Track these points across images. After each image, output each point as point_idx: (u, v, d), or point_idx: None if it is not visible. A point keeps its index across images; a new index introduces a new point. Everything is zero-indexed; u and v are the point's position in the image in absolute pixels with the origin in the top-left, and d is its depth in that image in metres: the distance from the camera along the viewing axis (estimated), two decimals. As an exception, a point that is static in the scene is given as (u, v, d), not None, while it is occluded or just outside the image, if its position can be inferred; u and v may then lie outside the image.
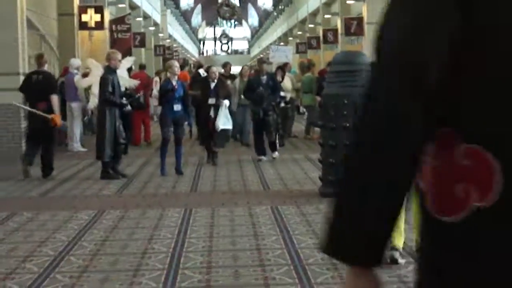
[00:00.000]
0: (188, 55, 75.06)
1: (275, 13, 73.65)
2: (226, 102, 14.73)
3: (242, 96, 16.94)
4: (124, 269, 6.88)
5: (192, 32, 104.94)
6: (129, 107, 13.87)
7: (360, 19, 27.68)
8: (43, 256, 7.45)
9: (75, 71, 18.07)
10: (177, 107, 13.13)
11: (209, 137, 14.68)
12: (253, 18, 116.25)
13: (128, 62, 17.15)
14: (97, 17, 24.44)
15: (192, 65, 34.18)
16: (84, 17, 24.19)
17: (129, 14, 30.07)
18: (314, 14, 43.28)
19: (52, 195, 11.61)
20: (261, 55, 49.38)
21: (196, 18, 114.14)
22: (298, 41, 45.91)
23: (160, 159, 13.42)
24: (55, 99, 13.34)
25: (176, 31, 69.08)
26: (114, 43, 26.19)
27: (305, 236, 8.06)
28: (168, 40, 54.66)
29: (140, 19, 38.71)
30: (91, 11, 24.45)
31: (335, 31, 33.26)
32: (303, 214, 9.26)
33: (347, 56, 11.12)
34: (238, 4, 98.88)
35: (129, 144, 16.42)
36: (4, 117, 16.06)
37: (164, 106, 13.23)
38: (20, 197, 11.47)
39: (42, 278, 6.63)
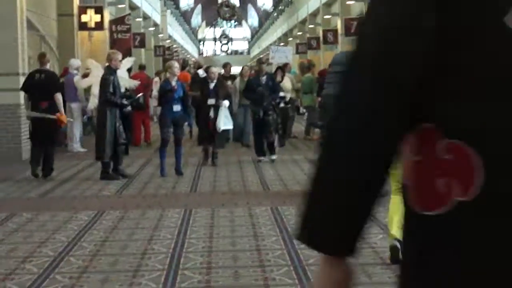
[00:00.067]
0: (188, 56, 75.06)
1: (275, 14, 73.67)
2: (226, 103, 14.73)
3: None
4: (124, 270, 6.88)
5: (192, 33, 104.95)
6: (129, 108, 13.87)
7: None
8: (42, 256, 7.44)
9: (75, 71, 18.07)
10: (177, 107, 13.13)
11: (207, 138, 14.63)
12: (253, 18, 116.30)
13: (128, 62, 17.15)
14: (97, 18, 24.45)
15: (191, 66, 34.14)
16: (84, 18, 24.20)
17: (129, 14, 30.08)
18: (314, 14, 43.30)
19: (52, 195, 11.60)
20: (261, 56, 49.39)
21: (196, 19, 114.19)
22: (298, 41, 45.96)
23: (160, 160, 13.41)
24: (59, 97, 13.41)
25: (176, 32, 69.10)
26: (114, 43, 26.21)
27: (305, 236, 8.03)
28: (168, 41, 54.67)
29: (140, 19, 38.71)
30: (91, 12, 24.46)
31: (335, 31, 33.32)
32: (303, 215, 9.24)
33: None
34: (238, 5, 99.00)
35: (129, 144, 16.41)
36: (4, 117, 16.08)
37: (163, 107, 13.22)
38: (20, 198, 11.47)
39: (41, 278, 6.63)
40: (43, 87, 13.11)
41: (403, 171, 1.69)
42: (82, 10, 24.32)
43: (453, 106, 1.58)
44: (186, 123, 14.46)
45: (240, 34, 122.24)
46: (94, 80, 15.20)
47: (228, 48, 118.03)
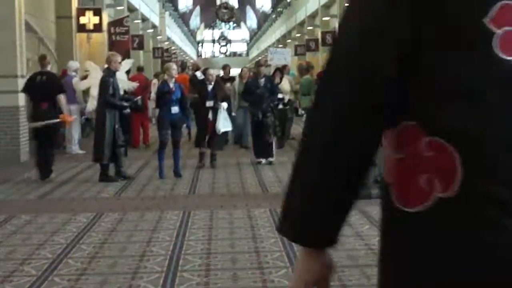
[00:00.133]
0: (187, 58, 75.06)
1: (273, 15, 73.66)
2: (224, 105, 14.73)
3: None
4: (122, 272, 6.87)
5: (191, 35, 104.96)
6: (127, 110, 13.88)
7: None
8: (41, 259, 7.43)
9: (73, 73, 18.06)
10: (175, 109, 13.12)
11: (204, 140, 14.58)
12: (252, 20, 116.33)
13: (126, 64, 17.14)
14: (95, 20, 24.46)
15: (190, 68, 34.15)
16: (82, 20, 24.21)
17: (128, 16, 30.09)
18: (313, 16, 43.31)
19: (51, 197, 11.59)
20: (260, 58, 49.38)
21: (195, 20, 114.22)
22: (296, 43, 45.97)
23: (158, 162, 13.41)
24: (62, 98, 13.50)
25: (174, 33, 69.10)
26: (113, 45, 26.22)
27: (303, 238, 8.03)
28: (166, 42, 54.66)
29: (139, 21, 38.72)
30: (89, 14, 24.46)
31: (333, 33, 33.27)
32: (301, 217, 9.24)
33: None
34: (236, 6, 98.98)
35: (128, 146, 16.41)
36: (2, 119, 16.07)
37: (161, 109, 13.21)
38: (18, 200, 11.46)
39: (40, 281, 6.62)
40: (45, 88, 13.19)
41: (385, 169, 1.73)
42: (81, 12, 24.32)
43: (433, 106, 1.61)
44: (184, 125, 14.44)
45: (238, 36, 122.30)
46: (93, 82, 15.19)
47: (226, 50, 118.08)
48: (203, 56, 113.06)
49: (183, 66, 26.57)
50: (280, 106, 17.61)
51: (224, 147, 17.73)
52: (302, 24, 48.00)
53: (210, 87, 14.47)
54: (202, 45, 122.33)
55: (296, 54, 40.83)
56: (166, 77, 13.58)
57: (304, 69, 21.24)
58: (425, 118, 1.63)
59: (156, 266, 7.05)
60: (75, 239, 8.32)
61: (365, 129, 1.68)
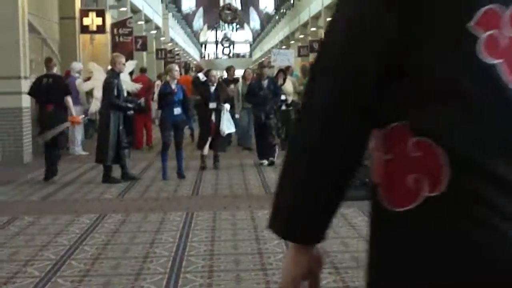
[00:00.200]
0: (190, 59, 75.06)
1: (276, 17, 73.68)
2: (227, 106, 14.72)
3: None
4: (125, 273, 6.86)
5: (194, 36, 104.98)
6: (131, 111, 13.91)
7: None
8: (44, 260, 7.43)
9: (77, 74, 18.08)
10: (177, 110, 13.12)
11: (207, 142, 14.54)
12: (255, 21, 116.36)
13: (130, 66, 17.15)
14: (99, 21, 24.46)
15: (193, 69, 34.13)
16: (86, 21, 24.21)
17: (131, 17, 30.08)
18: (316, 17, 43.29)
19: (54, 199, 11.59)
20: (263, 59, 49.32)
21: (198, 22, 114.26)
22: (300, 44, 45.90)
23: (162, 163, 13.41)
24: (69, 100, 13.64)
25: (177, 35, 69.09)
26: (116, 46, 26.21)
27: (307, 240, 8.02)
28: (169, 44, 54.65)
29: (142, 22, 38.73)
30: (92, 15, 24.46)
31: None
32: (305, 218, 9.23)
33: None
34: (239, 8, 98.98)
35: (131, 148, 16.41)
36: (5, 121, 16.08)
37: (164, 110, 13.21)
38: (21, 201, 11.45)
39: (43, 282, 6.61)
40: (51, 91, 13.28)
41: (372, 170, 1.75)
42: (84, 13, 24.33)
43: (419, 107, 1.64)
44: (187, 126, 14.43)
45: (242, 37, 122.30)
46: (96, 83, 15.20)
47: (230, 51, 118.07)
48: (206, 58, 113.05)
49: (186, 68, 26.53)
50: (284, 108, 17.60)
51: (227, 148, 17.71)
52: (305, 25, 47.97)
53: (212, 89, 14.46)
54: (205, 47, 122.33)
55: (299, 55, 40.79)
56: (168, 78, 13.58)
57: (308, 70, 21.23)
58: (412, 119, 1.65)
59: (159, 267, 7.04)
60: (78, 241, 8.32)
61: (351, 130, 1.71)
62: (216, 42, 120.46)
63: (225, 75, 20.63)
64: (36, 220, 9.62)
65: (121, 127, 12.98)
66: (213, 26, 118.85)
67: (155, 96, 17.43)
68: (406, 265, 1.66)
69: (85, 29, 24.30)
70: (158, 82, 20.38)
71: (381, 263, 1.74)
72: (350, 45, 1.69)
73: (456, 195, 1.61)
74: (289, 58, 23.23)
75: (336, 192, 1.78)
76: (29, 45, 17.23)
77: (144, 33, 37.35)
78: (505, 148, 1.60)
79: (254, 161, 15.70)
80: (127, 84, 14.80)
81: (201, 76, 18.68)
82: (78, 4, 24.02)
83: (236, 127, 16.17)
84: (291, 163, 1.80)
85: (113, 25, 27.75)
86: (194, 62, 60.13)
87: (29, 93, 14.07)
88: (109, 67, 13.62)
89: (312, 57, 38.65)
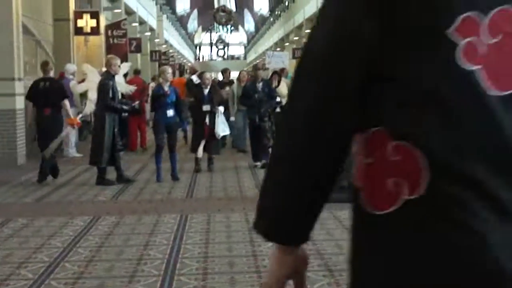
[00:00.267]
0: (184, 61, 75.07)
1: (271, 19, 73.74)
2: (221, 109, 14.71)
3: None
4: (119, 276, 6.85)
5: (188, 38, 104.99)
6: (125, 113, 13.91)
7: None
8: (38, 262, 7.41)
9: (71, 76, 18.04)
10: (170, 112, 13.12)
11: (199, 144, 14.51)
12: (250, 23, 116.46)
13: (124, 68, 17.12)
14: (93, 23, 24.44)
15: (187, 71, 34.11)
16: (80, 23, 24.18)
17: (125, 19, 30.09)
18: (311, 19, 43.30)
19: (48, 201, 11.57)
20: (258, 61, 49.33)
21: (192, 24, 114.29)
22: (294, 46, 45.92)
23: (156, 166, 13.40)
24: (66, 103, 13.78)
25: (172, 37, 69.10)
26: (110, 48, 26.20)
27: (301, 242, 8.01)
28: (164, 46, 54.67)
29: (136, 24, 38.74)
30: (86, 17, 24.44)
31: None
32: (299, 220, 9.22)
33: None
34: (234, 10, 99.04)
35: (126, 150, 16.39)
36: (0, 122, 16.03)
37: (157, 112, 13.21)
38: (15, 203, 11.43)
39: (37, 284, 6.60)
40: (48, 95, 13.32)
41: (354, 174, 1.78)
42: (78, 15, 24.30)
43: (398, 112, 1.67)
44: (180, 128, 14.41)
45: (236, 39, 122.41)
46: (90, 85, 15.17)
47: (224, 53, 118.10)
48: (200, 60, 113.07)
49: (181, 70, 26.52)
50: (278, 110, 17.59)
51: (221, 150, 17.69)
52: (300, 27, 48.01)
53: (206, 91, 14.43)
54: (199, 48, 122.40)
55: (294, 57, 40.72)
56: (161, 80, 13.58)
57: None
58: (391, 123, 1.68)
59: (153, 269, 7.03)
60: (72, 243, 8.30)
61: (334, 133, 1.74)
62: (211, 44, 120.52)
63: (220, 77, 20.61)
64: (30, 222, 9.60)
65: (116, 129, 12.97)
66: (207, 28, 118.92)
67: (149, 98, 17.44)
68: (387, 267, 1.69)
69: (79, 31, 24.27)
70: (152, 84, 20.38)
71: (362, 265, 1.77)
72: (332, 50, 1.71)
73: (435, 198, 1.63)
74: (283, 60, 23.24)
75: (320, 194, 1.81)
76: (23, 47, 17.20)
77: (138, 35, 37.37)
78: (484, 153, 1.62)
79: (248, 163, 15.69)
80: (121, 86, 14.77)
81: (194, 78, 18.67)
82: (72, 6, 23.99)
83: (230, 129, 16.15)
84: (275, 166, 1.82)
85: (107, 27, 27.73)
86: (189, 64, 60.11)
87: (27, 97, 14.06)
88: (104, 69, 13.61)
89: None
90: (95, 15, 24.68)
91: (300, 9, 47.03)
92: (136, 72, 21.51)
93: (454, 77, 1.63)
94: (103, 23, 26.34)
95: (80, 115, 15.48)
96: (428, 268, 1.63)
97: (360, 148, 1.76)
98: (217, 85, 17.43)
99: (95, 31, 24.73)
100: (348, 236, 1.83)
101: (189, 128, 18.03)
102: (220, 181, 13.44)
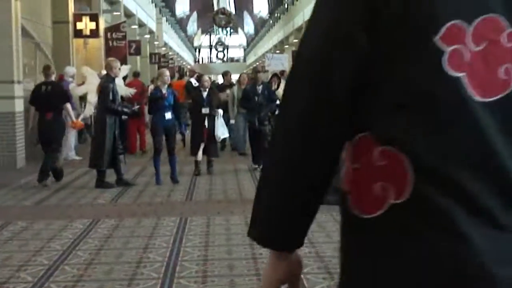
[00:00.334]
0: (184, 63, 75.08)
1: (271, 21, 73.75)
2: (220, 111, 14.71)
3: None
4: (119, 278, 6.85)
5: (188, 40, 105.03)
6: (124, 116, 13.92)
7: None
8: (37, 265, 7.41)
9: (70, 79, 18.04)
10: (168, 115, 13.10)
11: (199, 148, 14.49)
12: (249, 26, 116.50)
13: (124, 70, 17.10)
14: (92, 25, 24.43)
15: (187, 73, 34.10)
16: (79, 25, 24.18)
17: (124, 22, 30.08)
18: (310, 22, 43.24)
19: (47, 204, 11.56)
20: (257, 63, 49.34)
21: (192, 26, 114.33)
22: (294, 48, 45.88)
23: (155, 169, 13.39)
24: (68, 107, 13.83)
25: (171, 39, 69.13)
26: (109, 51, 26.19)
27: (301, 245, 8.01)
28: (163, 48, 54.69)
29: (135, 27, 38.73)
30: (86, 19, 24.43)
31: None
32: (299, 223, 9.22)
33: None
34: (233, 12, 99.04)
35: (126, 153, 16.37)
36: (-1, 125, 16.03)
37: (155, 115, 13.19)
38: (15, 206, 11.43)
39: (36, 287, 6.60)
40: (50, 98, 13.32)
41: (342, 178, 1.81)
42: (77, 17, 24.29)
43: (385, 117, 1.70)
44: (178, 131, 14.41)
45: (236, 41, 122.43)
46: (90, 88, 15.19)
47: (224, 56, 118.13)
48: (200, 62, 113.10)
49: (181, 73, 26.50)
50: (277, 112, 17.58)
51: (221, 153, 17.67)
52: (299, 29, 48.00)
53: (205, 94, 14.42)
54: (199, 51, 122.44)
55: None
56: (159, 83, 13.58)
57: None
58: (378, 128, 1.71)
59: (153, 272, 7.02)
60: (72, 246, 8.29)
61: (327, 137, 1.76)
62: (210, 47, 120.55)
63: (220, 80, 20.60)
64: (29, 225, 9.60)
65: (117, 132, 12.97)
66: (207, 30, 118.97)
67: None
68: (374, 270, 1.72)
69: (78, 34, 24.27)
70: (152, 87, 20.36)
71: (351, 268, 1.80)
72: (324, 53, 1.73)
73: (420, 203, 1.65)
74: (283, 62, 23.25)
75: (313, 198, 1.82)
76: (22, 49, 17.20)
77: (137, 38, 37.36)
78: (468, 159, 1.65)
79: (248, 166, 15.69)
80: (121, 88, 14.76)
81: (193, 81, 18.67)
82: (71, 8, 23.98)
83: (230, 132, 16.13)
84: (270, 167, 1.84)
85: (107, 30, 27.72)
86: (188, 67, 60.13)
87: (30, 102, 14.06)
88: (104, 72, 13.61)
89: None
90: (94, 18, 24.68)
91: (300, 12, 47.03)
92: (136, 74, 21.52)
93: (440, 83, 1.66)
94: (102, 25, 26.34)
95: (80, 118, 15.53)
96: (413, 272, 1.66)
97: (347, 154, 1.79)
98: (216, 88, 17.43)
99: (94, 33, 24.72)
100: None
101: (187, 131, 18.02)
102: (220, 184, 13.44)
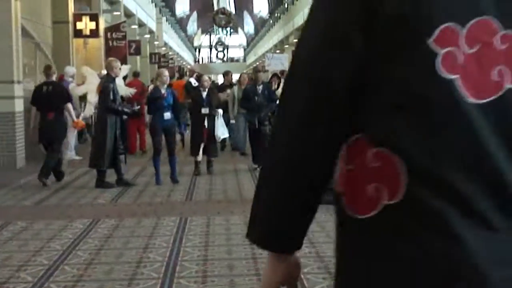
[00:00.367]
0: (184, 63, 75.07)
1: (271, 21, 73.75)
2: (220, 111, 14.70)
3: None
4: (119, 278, 6.84)
5: (188, 40, 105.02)
6: (124, 116, 13.91)
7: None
8: (37, 265, 7.40)
9: (70, 79, 18.03)
10: (167, 115, 13.09)
11: (199, 148, 14.49)
12: (249, 25, 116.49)
13: (124, 70, 17.10)
14: (92, 25, 24.43)
15: (187, 73, 34.09)
16: (79, 25, 24.18)
17: (124, 22, 30.08)
18: (310, 22, 43.25)
19: (47, 204, 11.56)
20: (257, 63, 49.33)
21: (192, 26, 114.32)
22: (294, 48, 45.93)
23: (155, 169, 13.38)
24: (69, 107, 13.84)
25: (171, 39, 69.12)
26: (109, 51, 26.18)
27: (301, 244, 8.00)
28: (163, 48, 54.69)
29: (135, 26, 38.73)
30: (86, 19, 24.43)
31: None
32: (299, 223, 9.21)
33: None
34: (233, 12, 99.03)
35: (126, 153, 16.37)
36: (-1, 125, 16.03)
37: (154, 115, 13.17)
38: (14, 206, 11.42)
39: (36, 287, 6.59)
40: (51, 99, 13.34)
41: (336, 180, 1.82)
42: (77, 17, 24.29)
43: (379, 119, 1.72)
44: (177, 132, 14.40)
45: (236, 41, 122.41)
46: (90, 88, 15.19)
47: (224, 56, 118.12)
48: (200, 62, 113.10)
49: (181, 72, 26.50)
50: (276, 112, 17.56)
51: (221, 153, 17.67)
52: (299, 29, 47.89)
53: (204, 94, 14.41)
54: (199, 51, 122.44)
55: (293, 59, 40.78)
56: (158, 83, 13.57)
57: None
58: (372, 130, 1.72)
59: (153, 272, 7.02)
60: (71, 246, 8.29)
61: (325, 133, 1.76)
62: (210, 47, 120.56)
63: (220, 79, 20.58)
64: (29, 225, 9.59)
65: (118, 132, 12.97)
66: (207, 30, 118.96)
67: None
68: (368, 270, 1.73)
69: (78, 33, 24.27)
70: (152, 87, 20.36)
71: (346, 268, 1.81)
72: (322, 52, 1.74)
73: (413, 204, 1.67)
74: (283, 62, 23.25)
75: (313, 198, 1.83)
76: (22, 49, 17.19)
77: (137, 37, 37.37)
78: (462, 161, 1.66)
79: (248, 166, 15.69)
80: (121, 88, 14.76)
81: (193, 81, 18.65)
82: (71, 8, 23.98)
83: (230, 132, 16.12)
84: (269, 166, 1.85)
85: (107, 29, 27.72)
86: (188, 67, 60.12)
87: (31, 102, 14.07)
88: (104, 72, 13.60)
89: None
90: (94, 18, 24.67)
91: (300, 11, 47.04)
92: (136, 74, 21.51)
93: (434, 85, 1.67)
94: (102, 25, 26.33)
95: (80, 117, 15.53)
96: (407, 273, 1.67)
97: (341, 155, 1.80)
98: (216, 88, 17.42)
99: (94, 33, 24.72)
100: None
101: (187, 131, 18.01)
102: (220, 183, 13.43)
